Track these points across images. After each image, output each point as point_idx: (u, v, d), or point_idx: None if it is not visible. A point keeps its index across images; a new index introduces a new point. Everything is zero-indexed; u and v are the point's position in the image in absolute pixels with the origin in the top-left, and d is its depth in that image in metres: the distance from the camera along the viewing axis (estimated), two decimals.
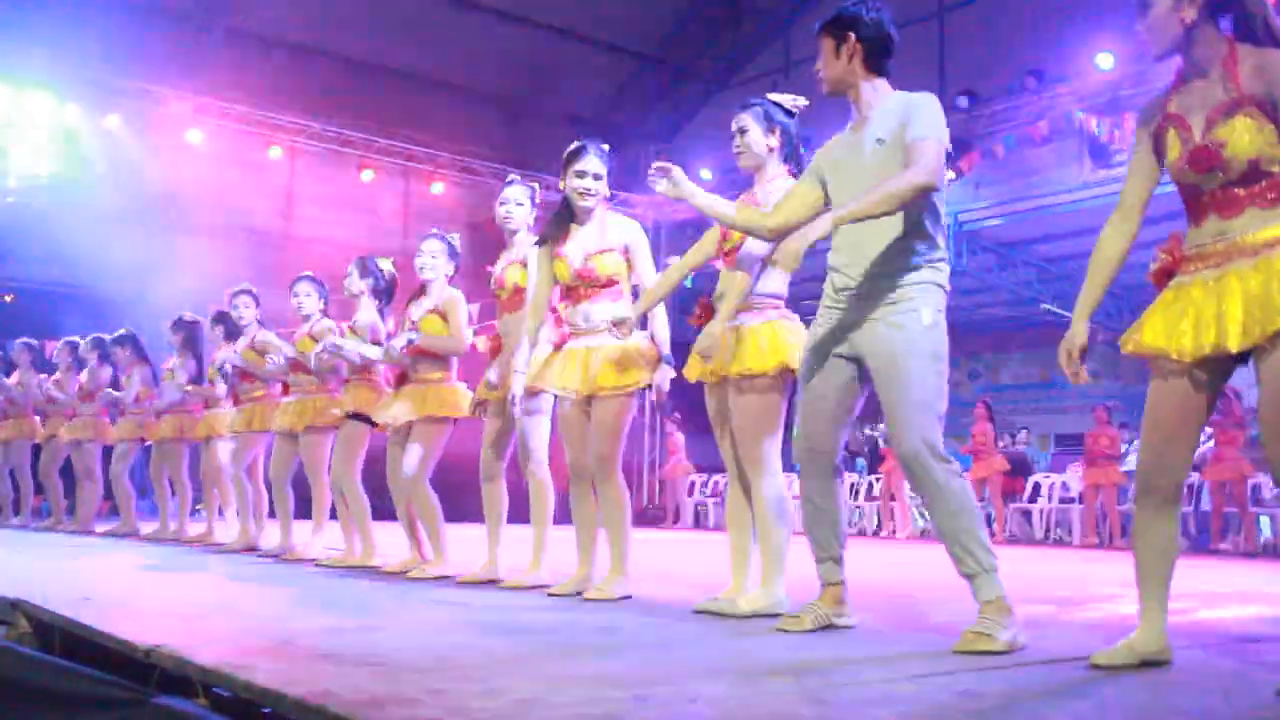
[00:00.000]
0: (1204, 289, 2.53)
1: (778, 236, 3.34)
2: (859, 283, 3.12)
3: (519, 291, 4.69)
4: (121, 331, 8.61)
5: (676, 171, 3.43)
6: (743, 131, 3.77)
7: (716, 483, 14.05)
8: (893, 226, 3.07)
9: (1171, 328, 2.56)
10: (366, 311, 5.71)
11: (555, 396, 4.35)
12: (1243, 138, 2.49)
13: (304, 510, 6.27)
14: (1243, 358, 2.52)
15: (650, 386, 4.12)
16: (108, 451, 8.70)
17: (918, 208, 3.06)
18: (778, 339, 3.63)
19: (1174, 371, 2.58)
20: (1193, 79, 2.63)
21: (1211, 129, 2.54)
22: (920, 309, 3.06)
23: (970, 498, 3.02)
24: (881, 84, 3.22)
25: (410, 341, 5.07)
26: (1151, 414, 2.65)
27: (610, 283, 4.14)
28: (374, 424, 5.51)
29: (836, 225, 2.99)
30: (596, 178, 4.20)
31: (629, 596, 4.09)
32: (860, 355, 3.13)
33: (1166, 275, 2.66)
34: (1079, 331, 2.76)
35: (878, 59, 3.20)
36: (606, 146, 4.29)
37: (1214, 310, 2.48)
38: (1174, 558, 2.67)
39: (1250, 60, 2.53)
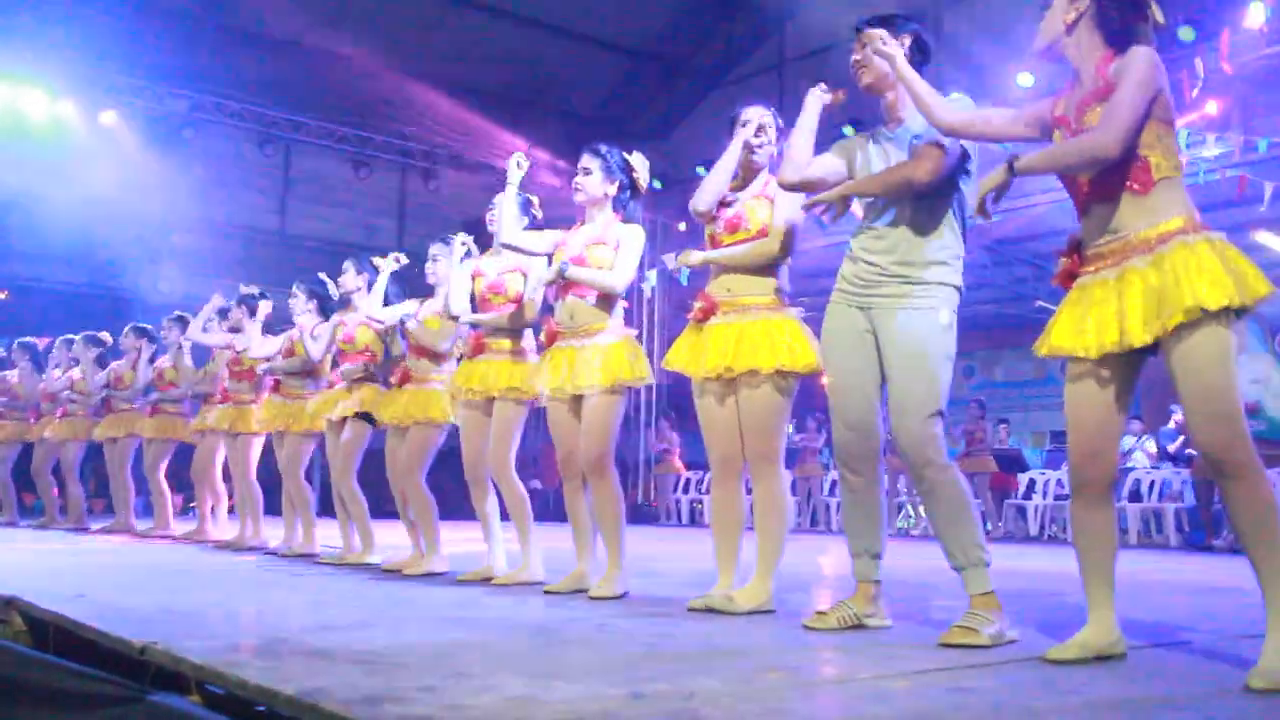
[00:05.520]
0: (1104, 288, 2.63)
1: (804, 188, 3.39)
2: (883, 275, 3.16)
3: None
4: (142, 326, 8.59)
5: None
6: (762, 129, 3.80)
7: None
8: (920, 222, 3.16)
9: (1078, 328, 2.65)
10: (357, 310, 5.70)
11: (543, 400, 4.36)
12: None
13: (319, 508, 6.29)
14: (1152, 351, 2.59)
15: (635, 384, 4.12)
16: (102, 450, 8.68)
17: (944, 204, 3.17)
18: (805, 338, 3.65)
19: (1086, 371, 2.68)
20: (1075, 84, 2.76)
21: (1082, 118, 2.67)
22: (939, 309, 3.14)
23: (967, 492, 3.07)
24: None
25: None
26: (1073, 414, 2.73)
27: None
28: (374, 422, 5.53)
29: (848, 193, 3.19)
30: (585, 173, 4.24)
31: (627, 593, 4.10)
32: (880, 343, 3.16)
33: (1069, 277, 2.75)
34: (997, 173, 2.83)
35: (917, 59, 3.23)
36: (612, 148, 4.31)
37: (1115, 308, 2.58)
38: (1114, 550, 2.75)
39: (1117, 61, 2.65)
